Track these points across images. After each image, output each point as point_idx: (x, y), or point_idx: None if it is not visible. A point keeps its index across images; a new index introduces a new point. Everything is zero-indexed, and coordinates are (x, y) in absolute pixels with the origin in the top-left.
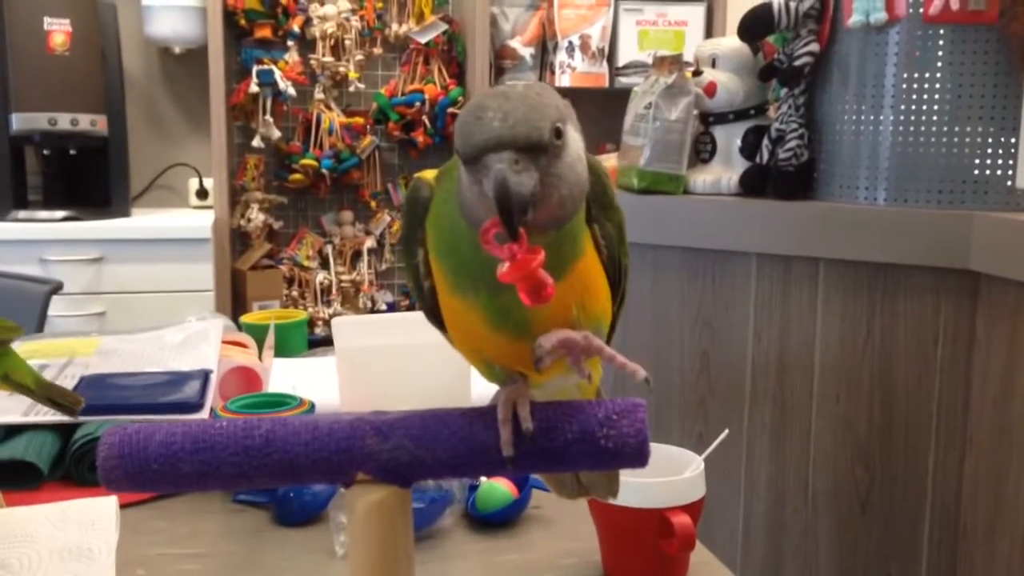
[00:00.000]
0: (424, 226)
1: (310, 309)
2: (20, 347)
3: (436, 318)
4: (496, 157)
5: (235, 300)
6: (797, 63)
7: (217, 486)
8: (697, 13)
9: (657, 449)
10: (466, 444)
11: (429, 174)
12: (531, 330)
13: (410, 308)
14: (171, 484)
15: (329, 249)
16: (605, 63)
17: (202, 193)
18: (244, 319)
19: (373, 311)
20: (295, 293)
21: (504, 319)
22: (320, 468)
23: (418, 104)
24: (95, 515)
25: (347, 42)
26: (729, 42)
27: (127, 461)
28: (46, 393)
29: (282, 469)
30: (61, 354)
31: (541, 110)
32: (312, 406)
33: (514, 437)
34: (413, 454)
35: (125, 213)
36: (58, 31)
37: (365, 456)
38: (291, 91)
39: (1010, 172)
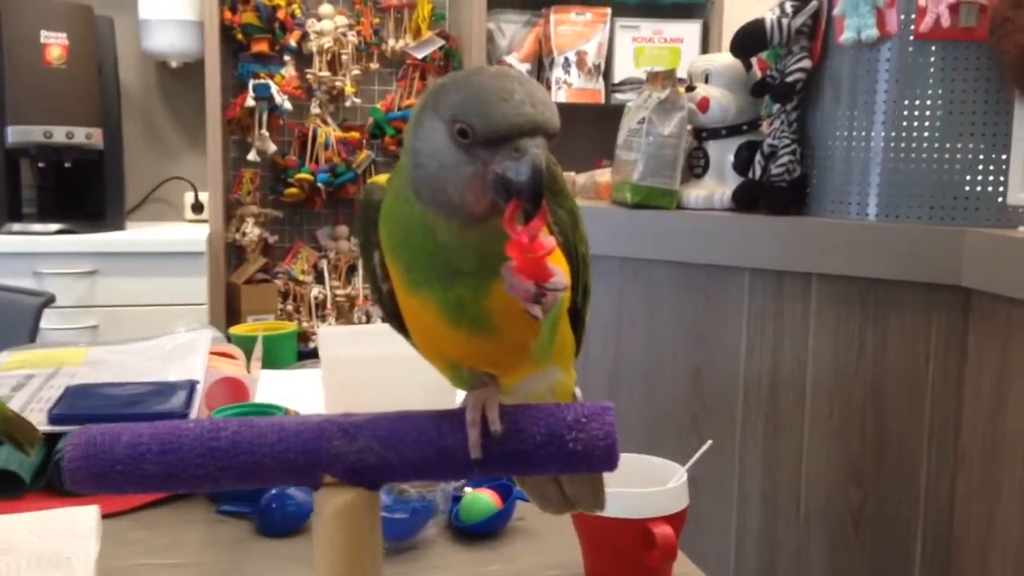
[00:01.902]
0: (378, 228)
1: (305, 323)
2: (9, 358)
3: (398, 323)
4: (532, 142)
5: (230, 314)
6: (789, 79)
7: (183, 487)
8: (693, 30)
9: (641, 460)
10: (434, 446)
11: (381, 178)
12: (487, 323)
13: None
14: (136, 486)
15: (324, 263)
16: (601, 79)
17: (197, 207)
18: (233, 330)
19: None
20: (290, 307)
21: (460, 313)
22: (286, 470)
23: None
24: (76, 525)
25: (344, 57)
26: (722, 58)
27: (92, 462)
28: (6, 426)
29: (248, 471)
30: (49, 364)
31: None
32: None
33: (483, 439)
34: (380, 456)
35: (120, 226)
36: (55, 44)
37: (332, 458)
38: (287, 105)
39: (1001, 188)
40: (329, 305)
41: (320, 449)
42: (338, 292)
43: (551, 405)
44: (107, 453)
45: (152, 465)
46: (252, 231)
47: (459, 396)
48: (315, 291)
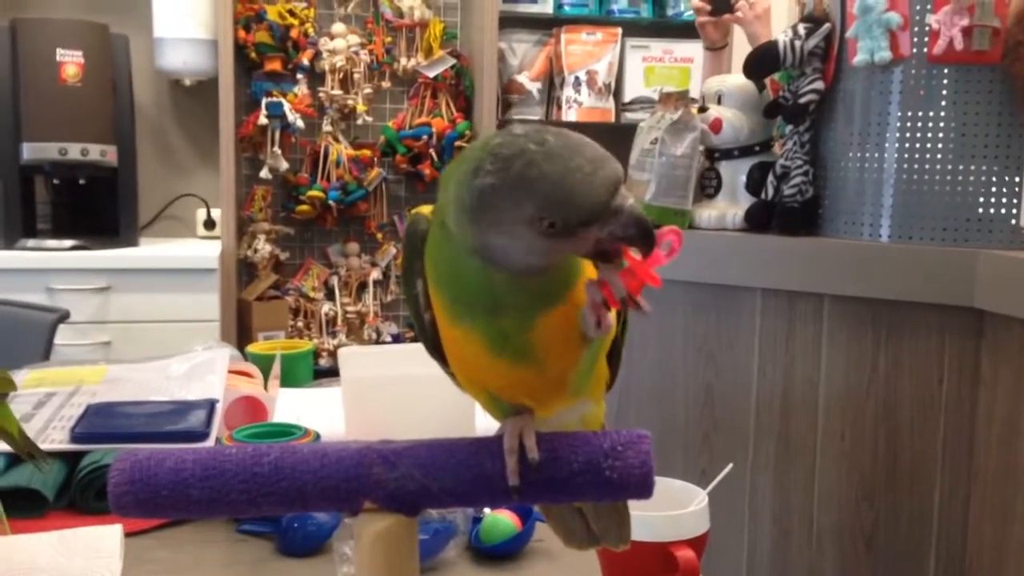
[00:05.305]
0: (423, 257)
1: (315, 340)
2: (28, 375)
3: (438, 352)
4: (621, 196)
5: (241, 330)
6: (802, 100)
7: (226, 513)
8: (703, 50)
9: (662, 483)
10: (472, 473)
11: (426, 209)
12: (530, 354)
13: (415, 340)
14: (181, 511)
15: (335, 280)
16: (611, 98)
17: (210, 223)
18: (250, 349)
19: (378, 342)
20: (300, 324)
21: (503, 344)
22: (328, 496)
23: (425, 137)
24: (100, 544)
25: (356, 75)
26: (735, 79)
27: (138, 487)
28: (26, 445)
29: (291, 497)
30: (68, 382)
31: None
32: (317, 436)
33: (520, 467)
34: (420, 483)
35: (133, 243)
36: (70, 62)
37: (373, 485)
38: (300, 123)
39: (1014, 211)
40: (340, 322)
41: (361, 476)
42: (349, 309)
43: (588, 433)
44: (152, 479)
45: (196, 491)
46: (263, 248)
47: (479, 417)
48: (326, 308)
